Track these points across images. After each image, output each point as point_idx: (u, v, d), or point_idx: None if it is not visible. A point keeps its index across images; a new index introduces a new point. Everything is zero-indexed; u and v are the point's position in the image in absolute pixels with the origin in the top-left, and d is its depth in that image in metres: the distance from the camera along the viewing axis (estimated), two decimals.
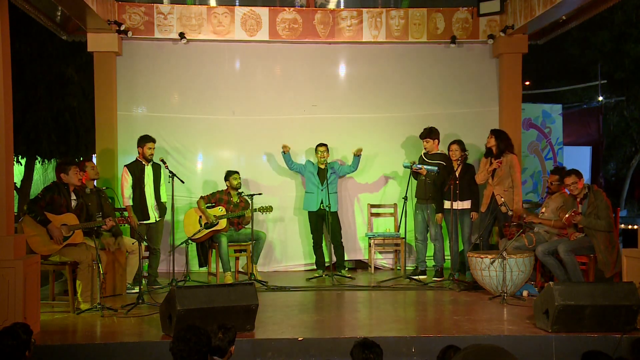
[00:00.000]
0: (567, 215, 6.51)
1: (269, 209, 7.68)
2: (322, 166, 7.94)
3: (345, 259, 8.48)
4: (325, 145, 7.97)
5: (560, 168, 7.34)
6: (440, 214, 7.62)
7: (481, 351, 2.82)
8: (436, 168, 7.53)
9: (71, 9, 7.28)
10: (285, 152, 8.00)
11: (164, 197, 7.45)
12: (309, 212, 8.00)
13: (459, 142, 7.52)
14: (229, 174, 7.76)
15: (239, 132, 8.52)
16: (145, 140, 7.31)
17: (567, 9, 7.38)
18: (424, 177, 7.65)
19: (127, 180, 7.20)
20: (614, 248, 6.40)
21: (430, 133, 7.75)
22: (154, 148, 7.33)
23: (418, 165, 7.62)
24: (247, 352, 4.75)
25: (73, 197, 6.28)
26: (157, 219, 7.32)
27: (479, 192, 7.57)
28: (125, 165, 7.35)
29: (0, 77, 4.98)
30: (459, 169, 7.36)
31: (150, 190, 7.28)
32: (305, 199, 8.05)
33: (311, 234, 8.07)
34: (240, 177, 7.77)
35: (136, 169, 7.26)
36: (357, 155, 8.01)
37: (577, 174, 6.72)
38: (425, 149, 7.82)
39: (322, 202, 7.82)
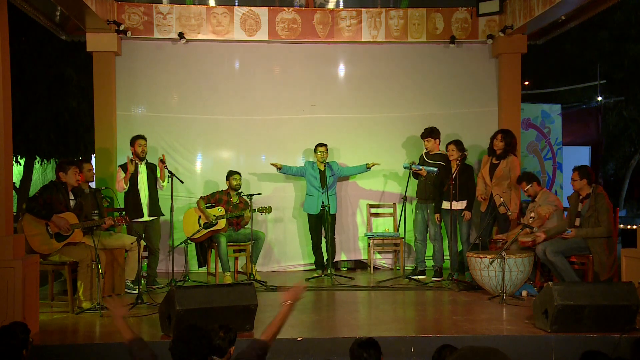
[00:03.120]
0: (528, 240, 6.52)
1: (268, 209, 7.68)
2: (322, 167, 7.94)
3: (344, 259, 8.51)
4: (325, 145, 7.97)
5: (522, 175, 7.21)
6: (437, 214, 7.63)
7: (475, 352, 2.81)
8: (436, 169, 7.54)
9: (70, 9, 7.28)
10: (280, 168, 8.00)
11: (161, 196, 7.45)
12: (309, 214, 8.00)
13: (456, 143, 7.52)
14: (229, 174, 7.78)
15: (238, 132, 8.52)
16: (134, 138, 7.38)
17: (567, 9, 7.38)
18: (423, 178, 7.67)
19: (120, 175, 7.26)
20: (611, 252, 6.38)
21: (431, 133, 7.75)
22: (144, 145, 7.35)
23: (418, 166, 7.62)
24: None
25: (71, 196, 6.28)
26: (150, 218, 7.31)
27: (475, 193, 7.57)
28: (119, 165, 7.42)
29: (0, 77, 4.98)
30: (457, 169, 7.37)
31: (144, 189, 7.30)
32: (306, 201, 8.04)
33: (310, 234, 8.07)
34: (240, 179, 7.77)
35: (130, 168, 7.28)
36: (368, 168, 8.05)
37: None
38: (426, 148, 7.82)
39: (323, 204, 7.80)
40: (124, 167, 7.29)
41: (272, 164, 8.01)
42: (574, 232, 6.43)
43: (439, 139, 7.82)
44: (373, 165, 8.07)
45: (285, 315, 3.67)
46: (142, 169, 7.34)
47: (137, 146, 7.32)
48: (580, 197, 6.61)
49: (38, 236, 5.90)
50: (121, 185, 7.21)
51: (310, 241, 8.12)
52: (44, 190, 6.13)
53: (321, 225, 7.96)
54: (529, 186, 6.90)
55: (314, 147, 8.02)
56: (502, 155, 7.30)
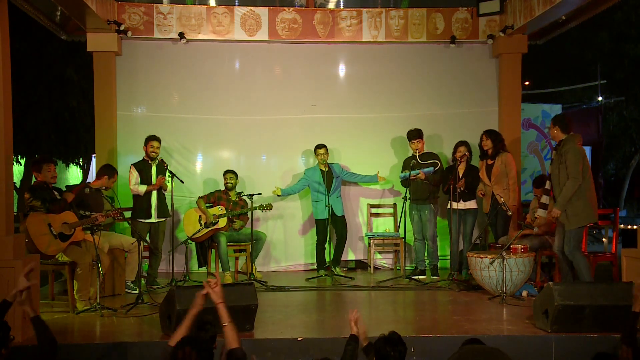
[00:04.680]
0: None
1: (268, 206, 7.67)
2: (324, 168, 7.92)
3: (345, 258, 8.51)
4: (325, 146, 7.95)
5: (538, 178, 7.22)
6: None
7: (476, 352, 2.81)
8: (432, 168, 7.59)
9: (71, 9, 7.28)
10: (279, 195, 7.96)
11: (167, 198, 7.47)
12: (318, 219, 7.93)
13: (466, 144, 7.54)
14: (224, 173, 7.79)
15: (239, 132, 8.52)
16: (148, 139, 7.42)
17: (567, 9, 7.39)
18: (422, 181, 7.65)
19: (133, 175, 7.27)
20: (584, 196, 5.98)
21: (419, 134, 7.81)
22: (157, 147, 7.39)
23: (416, 171, 7.62)
24: (246, 352, 4.74)
25: (56, 194, 6.22)
26: (157, 220, 7.33)
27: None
28: (132, 164, 7.44)
29: (0, 77, 4.98)
30: (463, 169, 7.38)
31: (154, 191, 7.30)
32: (314, 208, 7.97)
33: (317, 235, 8.01)
34: (235, 178, 7.76)
35: (143, 168, 7.32)
36: (377, 180, 8.08)
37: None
38: (417, 150, 7.82)
39: (331, 209, 7.76)
40: (137, 165, 7.32)
41: (273, 192, 7.95)
42: (554, 210, 6.01)
43: (424, 138, 7.89)
44: (382, 180, 8.13)
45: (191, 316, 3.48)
46: (154, 171, 7.36)
47: (148, 147, 7.36)
48: (555, 146, 6.34)
49: (45, 236, 5.88)
50: (137, 191, 7.22)
51: (315, 240, 8.06)
52: (34, 192, 6.07)
53: (328, 227, 7.91)
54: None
55: (313, 149, 8.00)
56: (494, 153, 7.35)
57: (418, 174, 7.60)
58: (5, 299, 3.63)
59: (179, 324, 3.52)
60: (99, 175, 7.04)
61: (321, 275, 7.80)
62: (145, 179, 7.29)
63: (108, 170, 7.03)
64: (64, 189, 6.58)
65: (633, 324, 3.75)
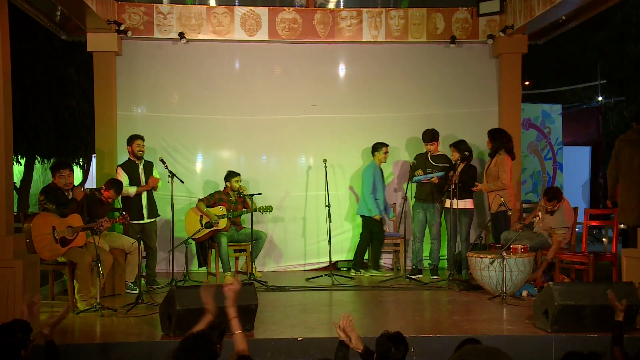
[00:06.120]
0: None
1: (268, 209, 7.68)
2: (381, 167, 8.02)
3: (345, 258, 8.53)
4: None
5: (548, 190, 7.23)
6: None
7: (476, 352, 2.80)
8: (443, 172, 7.60)
9: (71, 9, 7.28)
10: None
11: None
12: (374, 217, 7.92)
13: (455, 145, 7.52)
14: (230, 175, 7.75)
15: (239, 132, 8.53)
16: (133, 138, 7.37)
17: (567, 9, 7.39)
18: (435, 184, 7.67)
19: (123, 177, 7.21)
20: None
21: (434, 136, 7.79)
22: (143, 145, 7.36)
23: (429, 175, 7.64)
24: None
25: (69, 194, 6.22)
26: (148, 220, 7.32)
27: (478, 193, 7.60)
28: (119, 165, 7.39)
29: (0, 77, 4.98)
30: (460, 169, 7.40)
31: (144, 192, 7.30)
32: (375, 203, 7.91)
33: (368, 235, 7.97)
34: (241, 180, 7.77)
35: (130, 169, 7.28)
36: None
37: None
38: (430, 152, 7.83)
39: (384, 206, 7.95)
40: (124, 166, 7.29)
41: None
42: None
43: (439, 139, 7.86)
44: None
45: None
46: (142, 170, 7.34)
47: (134, 146, 7.32)
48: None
49: (46, 237, 5.85)
50: (127, 193, 7.15)
51: (361, 242, 8.09)
52: (47, 194, 6.07)
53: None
54: (559, 203, 6.90)
55: (375, 146, 8.03)
56: (492, 153, 7.44)
57: (432, 178, 7.61)
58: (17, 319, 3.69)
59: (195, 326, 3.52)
60: (106, 185, 6.87)
61: (321, 275, 7.81)
62: (133, 179, 7.24)
63: (114, 187, 6.81)
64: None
65: (619, 333, 3.90)
